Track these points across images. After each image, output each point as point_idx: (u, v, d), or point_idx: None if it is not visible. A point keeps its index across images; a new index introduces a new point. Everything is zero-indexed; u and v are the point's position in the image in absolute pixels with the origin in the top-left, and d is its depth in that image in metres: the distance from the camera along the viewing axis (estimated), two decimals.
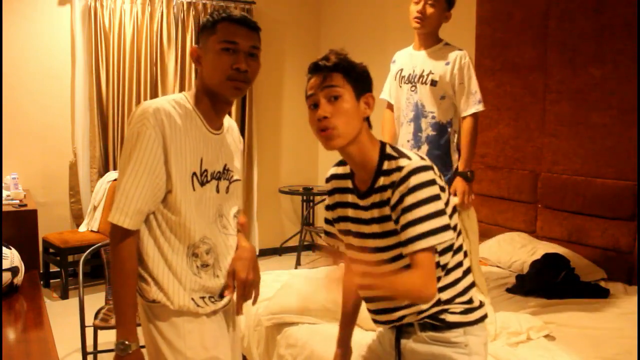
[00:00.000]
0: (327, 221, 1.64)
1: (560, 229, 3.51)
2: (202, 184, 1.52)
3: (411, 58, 2.85)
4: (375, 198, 1.45)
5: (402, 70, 2.86)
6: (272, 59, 5.73)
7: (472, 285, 1.53)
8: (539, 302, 2.82)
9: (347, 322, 1.73)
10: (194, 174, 1.49)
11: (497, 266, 3.47)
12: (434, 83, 2.75)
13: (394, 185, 1.39)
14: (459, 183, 2.66)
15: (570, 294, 2.89)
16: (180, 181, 1.46)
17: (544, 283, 2.95)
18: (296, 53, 5.81)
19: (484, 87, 3.99)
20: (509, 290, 3.01)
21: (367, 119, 1.48)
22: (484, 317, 1.52)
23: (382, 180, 1.43)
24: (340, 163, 1.59)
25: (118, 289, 1.45)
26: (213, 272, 1.55)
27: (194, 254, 1.51)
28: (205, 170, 1.51)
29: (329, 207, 1.62)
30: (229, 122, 1.68)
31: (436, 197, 1.36)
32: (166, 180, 1.45)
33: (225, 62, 1.45)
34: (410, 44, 2.92)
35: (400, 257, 1.44)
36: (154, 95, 5.05)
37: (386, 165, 1.43)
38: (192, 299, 1.51)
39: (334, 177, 1.60)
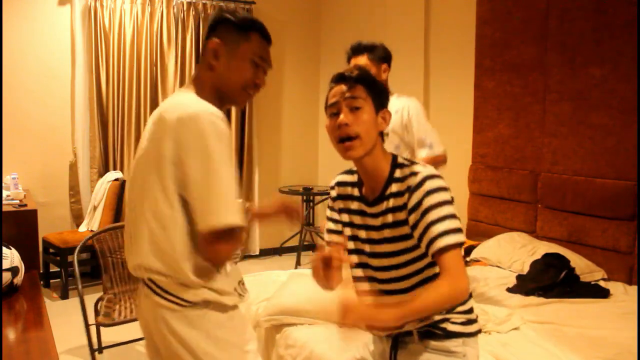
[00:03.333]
0: (332, 220, 1.62)
1: (560, 229, 3.51)
2: None
3: None
4: (388, 204, 1.47)
5: None
6: (272, 58, 5.73)
7: (471, 295, 1.55)
8: (539, 302, 2.82)
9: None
10: None
11: (497, 266, 3.47)
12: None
13: (410, 189, 1.41)
14: None
15: (570, 294, 2.89)
16: None
17: (544, 283, 2.95)
18: (296, 53, 5.81)
19: (483, 87, 4.02)
20: (509, 290, 3.00)
21: (381, 133, 1.53)
22: (480, 331, 1.56)
23: (394, 187, 1.46)
24: (349, 172, 1.61)
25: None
26: None
27: None
28: None
29: (333, 209, 1.63)
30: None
31: (452, 202, 1.40)
32: None
33: (250, 74, 1.53)
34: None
35: (410, 262, 1.46)
36: (154, 95, 5.05)
37: (398, 173, 1.46)
38: (235, 288, 1.51)
39: (340, 184, 1.62)
